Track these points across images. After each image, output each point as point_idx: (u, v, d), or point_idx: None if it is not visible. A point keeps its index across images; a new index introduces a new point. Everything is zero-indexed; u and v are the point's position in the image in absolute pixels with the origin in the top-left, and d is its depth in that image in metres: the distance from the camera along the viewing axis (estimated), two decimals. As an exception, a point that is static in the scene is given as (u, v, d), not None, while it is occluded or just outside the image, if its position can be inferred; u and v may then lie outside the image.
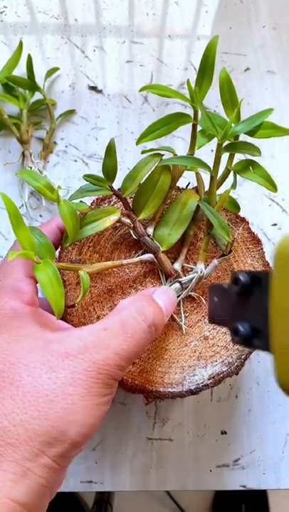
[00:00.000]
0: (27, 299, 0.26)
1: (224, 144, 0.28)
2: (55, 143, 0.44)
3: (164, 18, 0.51)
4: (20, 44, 0.44)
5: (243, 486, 0.37)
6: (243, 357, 0.30)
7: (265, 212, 0.43)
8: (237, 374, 0.30)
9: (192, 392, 0.28)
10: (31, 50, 0.48)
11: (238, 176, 0.30)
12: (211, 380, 0.29)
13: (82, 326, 0.24)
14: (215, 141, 0.29)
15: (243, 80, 0.47)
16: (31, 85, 0.43)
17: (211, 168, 0.29)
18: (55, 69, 0.45)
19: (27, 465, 0.20)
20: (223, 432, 0.38)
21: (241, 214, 0.34)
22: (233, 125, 0.27)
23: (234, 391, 0.38)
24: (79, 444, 0.21)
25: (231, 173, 0.30)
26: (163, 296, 0.26)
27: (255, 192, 0.44)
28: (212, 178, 0.29)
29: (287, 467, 0.37)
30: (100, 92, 0.46)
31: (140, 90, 0.29)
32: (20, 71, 0.44)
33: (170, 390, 0.28)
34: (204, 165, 0.28)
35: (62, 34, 0.49)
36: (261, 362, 0.39)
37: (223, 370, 0.29)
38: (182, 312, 0.31)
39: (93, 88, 0.47)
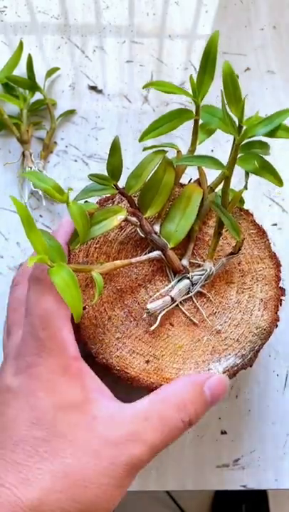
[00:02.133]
0: (73, 354, 0.25)
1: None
2: (55, 143, 0.44)
3: (164, 18, 0.51)
4: (21, 44, 0.44)
5: (243, 486, 0.37)
6: (256, 348, 0.30)
7: (265, 212, 0.43)
8: (251, 366, 0.30)
9: None
10: (31, 50, 0.48)
11: (237, 175, 0.30)
12: (225, 374, 0.29)
13: (125, 405, 0.24)
14: (213, 138, 0.28)
15: (243, 80, 0.47)
16: (31, 85, 0.43)
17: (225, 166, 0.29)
18: (56, 69, 0.46)
19: None
20: (223, 432, 0.38)
21: None
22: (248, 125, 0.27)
23: (234, 391, 0.38)
24: None
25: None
26: (216, 387, 0.26)
27: (255, 192, 0.44)
28: (227, 178, 0.29)
29: (287, 467, 0.37)
30: (100, 92, 0.46)
31: (143, 87, 0.30)
32: (20, 71, 0.44)
33: None
34: (220, 164, 0.28)
35: (62, 34, 0.49)
36: (261, 362, 0.39)
37: (237, 362, 0.29)
38: (199, 307, 0.31)
39: (93, 88, 0.47)
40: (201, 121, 0.30)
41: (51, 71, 0.45)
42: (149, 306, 0.29)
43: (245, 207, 0.34)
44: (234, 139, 0.27)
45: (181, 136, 0.44)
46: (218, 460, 0.37)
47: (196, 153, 0.31)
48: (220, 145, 0.44)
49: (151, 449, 0.23)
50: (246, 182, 0.30)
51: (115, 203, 0.32)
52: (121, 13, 0.50)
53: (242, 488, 0.37)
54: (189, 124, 0.30)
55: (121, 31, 0.49)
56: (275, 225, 0.43)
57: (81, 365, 0.25)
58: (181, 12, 0.51)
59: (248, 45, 0.50)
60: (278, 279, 0.32)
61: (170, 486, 0.36)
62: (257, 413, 0.38)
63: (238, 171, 0.29)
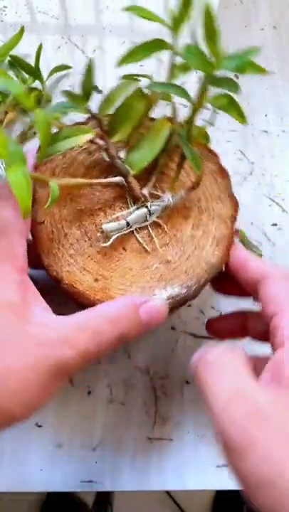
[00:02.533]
0: (20, 265, 0.26)
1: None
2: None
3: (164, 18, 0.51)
4: (22, 29, 0.43)
5: (243, 486, 0.37)
6: (201, 282, 0.31)
7: (265, 212, 0.43)
8: (194, 298, 0.31)
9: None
10: (31, 50, 0.48)
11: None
12: (169, 301, 0.29)
13: (61, 316, 0.25)
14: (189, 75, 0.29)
15: (243, 79, 0.47)
16: (34, 71, 0.42)
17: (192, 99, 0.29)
18: (65, 67, 0.45)
19: None
20: (223, 432, 0.38)
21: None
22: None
23: (234, 391, 0.38)
24: (16, 420, 0.23)
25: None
26: (153, 313, 0.26)
27: (255, 192, 0.44)
28: (195, 109, 0.29)
29: (287, 467, 0.37)
30: (100, 92, 0.46)
31: (125, 10, 0.30)
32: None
33: None
34: (186, 94, 0.29)
35: (63, 34, 0.49)
36: (261, 362, 0.39)
37: (182, 292, 0.30)
38: (154, 236, 0.32)
39: (94, 88, 0.47)
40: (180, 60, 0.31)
41: (58, 68, 0.44)
42: (104, 226, 0.30)
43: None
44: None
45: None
46: (218, 460, 0.37)
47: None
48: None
49: (80, 355, 0.23)
50: (213, 119, 0.31)
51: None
52: (121, 13, 0.50)
53: (242, 488, 0.37)
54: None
55: (121, 31, 0.49)
56: (275, 225, 0.43)
57: (26, 278, 0.26)
58: (181, 12, 0.51)
59: (248, 45, 0.50)
60: (234, 219, 0.33)
61: (170, 486, 0.36)
62: (257, 413, 0.38)
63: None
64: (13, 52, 0.43)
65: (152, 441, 0.37)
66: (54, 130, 0.29)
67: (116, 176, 0.32)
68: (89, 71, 0.30)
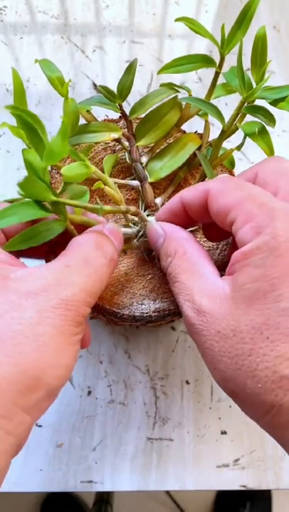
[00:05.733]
0: None
1: (245, 104, 0.28)
2: None
3: (164, 18, 0.51)
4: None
5: (244, 486, 0.37)
6: None
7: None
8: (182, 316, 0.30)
9: (134, 319, 0.29)
10: (31, 50, 0.48)
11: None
12: (156, 314, 0.29)
13: (41, 265, 0.22)
14: (232, 95, 0.29)
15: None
16: None
17: (225, 122, 0.29)
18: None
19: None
20: (223, 432, 0.38)
21: None
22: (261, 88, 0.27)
23: (234, 391, 0.38)
24: (55, 389, 0.20)
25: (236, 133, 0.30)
26: (112, 231, 0.25)
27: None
28: (223, 132, 0.29)
29: (287, 467, 0.37)
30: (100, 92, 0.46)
31: (176, 20, 0.29)
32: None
33: (115, 309, 0.29)
34: (219, 115, 0.28)
35: (63, 34, 0.49)
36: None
37: (171, 308, 0.29)
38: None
39: (94, 88, 0.46)
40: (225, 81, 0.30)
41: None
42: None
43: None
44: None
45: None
46: (218, 460, 0.37)
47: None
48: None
49: (82, 289, 0.21)
50: (242, 142, 0.30)
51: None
52: (121, 12, 0.50)
53: (242, 488, 0.37)
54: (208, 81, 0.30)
55: (121, 31, 0.49)
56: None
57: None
58: (181, 12, 0.51)
59: (248, 45, 0.50)
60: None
61: (170, 486, 0.36)
62: (257, 413, 0.38)
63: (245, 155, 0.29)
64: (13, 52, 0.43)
65: (152, 441, 0.37)
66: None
67: (134, 179, 0.32)
68: (130, 69, 0.30)
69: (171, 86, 0.31)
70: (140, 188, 0.31)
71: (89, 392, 0.38)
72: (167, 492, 0.93)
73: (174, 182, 0.33)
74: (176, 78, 0.47)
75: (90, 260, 0.22)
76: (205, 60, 0.29)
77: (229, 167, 0.34)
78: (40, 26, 0.49)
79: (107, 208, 0.25)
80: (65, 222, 0.23)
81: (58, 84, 0.28)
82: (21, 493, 0.36)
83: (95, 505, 0.81)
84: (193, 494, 0.96)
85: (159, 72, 0.30)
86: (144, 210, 0.32)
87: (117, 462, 0.36)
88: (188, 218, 0.26)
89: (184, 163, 0.31)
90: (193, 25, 0.29)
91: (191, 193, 0.25)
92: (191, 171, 0.33)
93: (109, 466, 0.36)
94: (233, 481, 0.37)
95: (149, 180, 0.31)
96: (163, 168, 0.31)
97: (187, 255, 0.24)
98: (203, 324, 0.21)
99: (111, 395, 0.38)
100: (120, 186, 0.33)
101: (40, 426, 0.37)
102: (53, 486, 0.36)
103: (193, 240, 0.26)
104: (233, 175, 0.33)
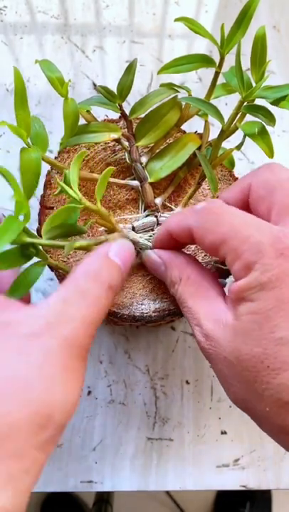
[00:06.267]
0: None
1: (245, 104, 0.28)
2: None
3: (164, 18, 0.51)
4: None
5: (244, 486, 0.37)
6: None
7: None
8: (183, 315, 0.30)
9: (134, 319, 0.29)
10: (31, 50, 0.48)
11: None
12: (155, 314, 0.29)
13: (37, 303, 0.22)
14: (232, 96, 0.29)
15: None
16: None
17: (225, 122, 0.29)
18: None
19: (13, 465, 0.17)
20: (223, 432, 0.38)
21: None
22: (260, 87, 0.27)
23: (234, 391, 0.38)
24: (64, 424, 0.20)
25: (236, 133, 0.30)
26: (120, 251, 0.24)
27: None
28: (223, 131, 0.29)
29: (287, 467, 0.37)
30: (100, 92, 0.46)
31: (175, 20, 0.29)
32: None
33: (115, 310, 0.29)
34: (219, 114, 0.28)
35: (63, 34, 0.49)
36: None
37: (171, 308, 0.29)
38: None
39: (94, 88, 0.47)
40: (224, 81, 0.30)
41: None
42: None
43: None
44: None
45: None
46: (218, 460, 0.37)
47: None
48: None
49: (83, 322, 0.21)
50: (241, 143, 0.30)
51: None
52: (121, 12, 0.50)
53: (242, 488, 0.37)
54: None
55: (121, 31, 0.49)
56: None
57: None
58: (181, 12, 0.51)
59: (248, 45, 0.50)
60: None
61: (170, 486, 0.36)
62: (257, 413, 0.38)
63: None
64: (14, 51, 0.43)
65: (152, 441, 0.37)
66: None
67: (134, 179, 0.32)
68: (130, 69, 0.30)
69: (171, 86, 0.31)
70: (140, 188, 0.31)
71: (89, 392, 0.38)
72: (167, 492, 0.93)
73: (174, 182, 0.33)
74: (176, 78, 0.47)
75: (85, 292, 0.22)
76: (205, 60, 0.29)
77: (229, 167, 0.34)
78: (40, 26, 0.49)
79: (77, 243, 0.25)
80: (44, 263, 0.24)
81: (58, 84, 0.28)
82: (21, 493, 0.36)
83: (95, 505, 0.81)
84: (193, 494, 0.96)
85: (158, 72, 0.30)
86: (144, 210, 0.32)
87: (117, 462, 0.36)
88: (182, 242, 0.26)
89: (184, 163, 0.31)
90: (193, 26, 0.29)
91: (176, 228, 0.25)
92: (191, 171, 0.33)
93: (109, 466, 0.36)
94: (233, 481, 0.37)
95: (149, 180, 0.31)
96: (163, 168, 0.31)
97: (191, 280, 0.25)
98: (212, 348, 0.22)
99: (111, 395, 0.38)
100: (120, 186, 0.33)
101: (40, 426, 0.37)
102: (53, 486, 0.36)
103: (194, 262, 0.26)
104: (233, 175, 0.33)
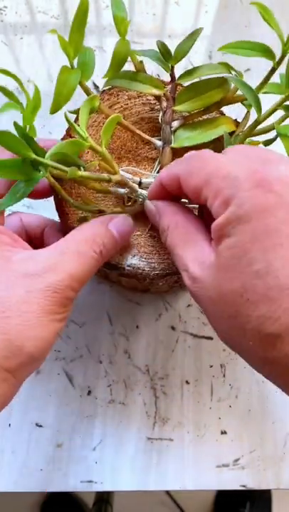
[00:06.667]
0: None
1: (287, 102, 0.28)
2: None
3: (164, 18, 0.51)
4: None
5: (243, 486, 0.37)
6: (167, 271, 0.30)
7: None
8: (152, 280, 0.31)
9: (123, 271, 0.30)
10: (31, 50, 0.48)
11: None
12: (129, 268, 0.30)
13: (42, 249, 0.25)
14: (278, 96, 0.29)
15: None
16: None
17: (262, 113, 0.29)
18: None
19: None
20: (223, 432, 0.38)
21: None
22: None
23: (234, 391, 0.38)
24: (35, 358, 0.23)
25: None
26: (119, 224, 0.27)
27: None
28: (257, 122, 0.29)
29: (287, 467, 0.37)
30: (97, 87, 0.46)
31: (251, 3, 0.30)
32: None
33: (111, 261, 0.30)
34: (258, 105, 0.28)
35: (63, 34, 0.49)
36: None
37: (145, 269, 0.30)
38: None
39: (95, 88, 0.46)
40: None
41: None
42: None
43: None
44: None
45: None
46: (218, 460, 0.37)
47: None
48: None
49: (70, 276, 0.24)
50: (270, 140, 0.30)
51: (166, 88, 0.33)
52: (121, 13, 0.50)
53: (242, 488, 0.37)
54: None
55: (121, 31, 0.49)
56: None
57: (1, 227, 0.26)
58: (181, 12, 0.51)
59: (248, 45, 0.50)
60: None
61: (170, 486, 0.36)
62: (257, 413, 0.38)
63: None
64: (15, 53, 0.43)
65: (152, 441, 0.37)
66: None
67: (160, 140, 0.32)
68: (192, 36, 0.31)
69: (227, 66, 0.31)
70: (161, 149, 0.32)
71: (89, 392, 0.38)
72: (167, 492, 0.93)
73: None
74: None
75: (81, 251, 0.25)
76: (266, 52, 0.29)
77: None
78: (40, 26, 0.49)
79: (85, 173, 0.26)
80: (43, 175, 0.25)
81: (119, 22, 0.29)
82: (21, 493, 0.36)
83: (95, 505, 0.81)
84: (193, 494, 0.96)
85: (219, 49, 0.30)
86: (158, 172, 0.32)
87: (117, 462, 0.36)
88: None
89: (212, 142, 0.31)
90: (266, 13, 0.29)
91: (166, 178, 0.26)
92: (215, 151, 0.33)
93: (109, 466, 0.36)
94: (233, 480, 0.37)
95: (172, 145, 0.31)
96: (189, 138, 0.31)
97: (179, 227, 0.25)
98: (199, 291, 0.23)
99: (111, 395, 0.38)
100: (145, 143, 0.33)
101: (40, 426, 0.37)
102: (53, 486, 0.36)
103: (184, 210, 0.26)
104: None
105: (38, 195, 0.29)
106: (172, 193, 0.26)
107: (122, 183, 0.28)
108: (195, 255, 0.23)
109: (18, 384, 0.23)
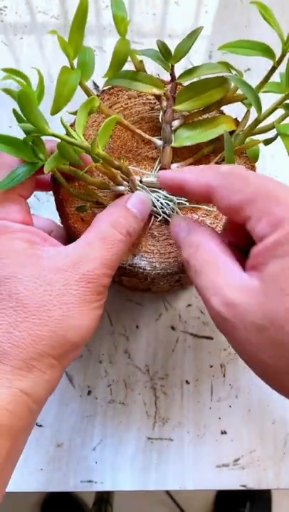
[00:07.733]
0: (19, 218, 0.27)
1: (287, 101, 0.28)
2: None
3: (164, 18, 0.51)
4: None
5: (243, 486, 0.37)
6: (168, 271, 0.30)
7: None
8: (150, 279, 0.31)
9: (124, 271, 0.30)
10: (31, 50, 0.48)
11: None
12: (129, 268, 0.30)
13: (69, 244, 0.26)
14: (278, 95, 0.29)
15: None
16: None
17: (262, 112, 0.29)
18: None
19: (33, 363, 0.23)
20: (223, 432, 0.38)
21: None
22: None
23: (234, 391, 0.38)
24: (77, 345, 0.24)
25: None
26: (137, 203, 0.28)
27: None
28: (257, 121, 0.29)
29: (287, 467, 0.37)
30: (97, 87, 0.46)
31: (251, 3, 0.29)
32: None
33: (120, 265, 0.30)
34: (258, 104, 0.28)
35: (63, 34, 0.49)
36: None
37: (146, 268, 0.30)
38: (157, 207, 0.32)
39: (95, 87, 0.47)
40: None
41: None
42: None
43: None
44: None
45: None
46: (218, 460, 0.37)
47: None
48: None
49: (102, 262, 0.25)
50: (270, 139, 0.30)
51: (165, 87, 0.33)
52: (121, 13, 0.50)
53: (242, 488, 0.37)
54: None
55: (121, 31, 0.49)
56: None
57: (30, 228, 0.27)
58: (181, 12, 0.51)
59: (248, 45, 0.50)
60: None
61: (170, 486, 0.36)
62: (257, 413, 0.38)
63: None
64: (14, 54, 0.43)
65: (152, 441, 0.37)
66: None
67: (160, 140, 0.32)
68: (192, 36, 0.31)
69: (227, 65, 0.31)
70: (162, 148, 0.32)
71: (89, 392, 0.38)
72: (167, 492, 0.93)
73: (196, 156, 0.32)
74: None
75: (106, 237, 0.26)
76: (266, 51, 0.29)
77: (253, 160, 0.34)
78: (40, 26, 0.49)
79: (99, 164, 0.26)
80: (40, 163, 0.26)
81: (119, 21, 0.29)
82: (21, 493, 0.36)
83: (95, 505, 0.81)
84: (193, 494, 0.96)
85: (219, 48, 0.29)
86: (158, 171, 0.32)
87: (117, 462, 0.36)
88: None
89: (212, 141, 0.31)
90: (266, 13, 0.29)
91: (193, 182, 0.25)
92: (215, 151, 0.33)
93: (109, 466, 0.36)
94: (233, 480, 0.37)
95: (172, 144, 0.31)
96: (189, 137, 0.31)
97: (211, 249, 0.24)
98: (237, 317, 0.21)
99: (111, 395, 0.38)
100: (145, 142, 0.33)
101: (40, 426, 0.37)
102: (53, 486, 0.36)
103: (217, 236, 0.26)
104: (254, 168, 0.34)
105: (38, 185, 0.30)
106: (190, 195, 0.26)
107: (127, 174, 0.29)
108: (230, 281, 0.22)
109: (63, 369, 0.25)
